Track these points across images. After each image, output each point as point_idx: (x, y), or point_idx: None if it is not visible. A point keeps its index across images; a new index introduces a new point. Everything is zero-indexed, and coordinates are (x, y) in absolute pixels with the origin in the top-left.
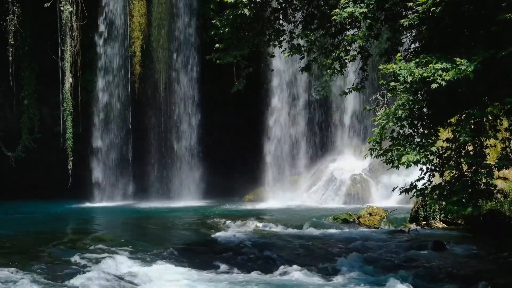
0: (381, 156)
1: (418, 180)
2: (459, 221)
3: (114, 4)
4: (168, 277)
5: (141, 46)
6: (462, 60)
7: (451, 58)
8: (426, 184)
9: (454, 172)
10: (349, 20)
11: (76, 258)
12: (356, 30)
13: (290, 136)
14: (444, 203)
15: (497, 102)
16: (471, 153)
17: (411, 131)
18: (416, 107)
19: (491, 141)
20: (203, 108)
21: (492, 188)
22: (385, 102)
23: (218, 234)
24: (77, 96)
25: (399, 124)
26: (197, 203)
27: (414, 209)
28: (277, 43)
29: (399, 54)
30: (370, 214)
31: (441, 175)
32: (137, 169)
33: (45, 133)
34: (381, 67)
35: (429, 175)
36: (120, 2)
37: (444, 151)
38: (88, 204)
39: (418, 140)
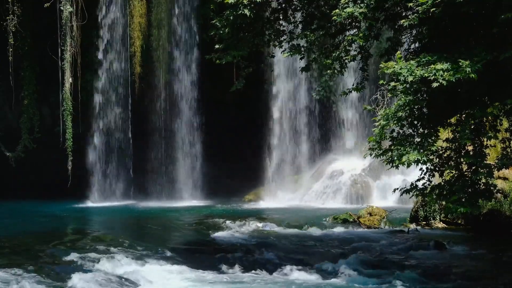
0: (381, 156)
1: (418, 180)
2: (459, 221)
3: (114, 4)
4: (168, 277)
5: (141, 46)
6: (465, 62)
7: (451, 59)
8: (426, 184)
9: (454, 172)
10: (349, 20)
11: (76, 258)
12: (356, 30)
13: (290, 136)
14: (444, 203)
15: (497, 102)
16: (471, 153)
17: (411, 131)
18: (416, 107)
19: (491, 141)
20: (203, 108)
21: (492, 188)
22: (385, 102)
23: (218, 234)
24: (77, 96)
25: (399, 124)
26: (197, 203)
27: (414, 209)
28: (277, 43)
29: (398, 52)
30: (370, 214)
31: (441, 175)
32: (137, 169)
33: (45, 133)
34: (381, 65)
35: (429, 175)
36: (120, 2)
37: (444, 151)
38: (88, 204)
39: (418, 140)
